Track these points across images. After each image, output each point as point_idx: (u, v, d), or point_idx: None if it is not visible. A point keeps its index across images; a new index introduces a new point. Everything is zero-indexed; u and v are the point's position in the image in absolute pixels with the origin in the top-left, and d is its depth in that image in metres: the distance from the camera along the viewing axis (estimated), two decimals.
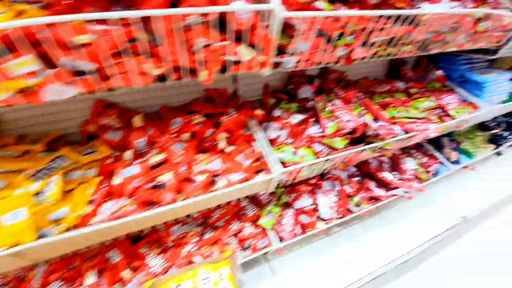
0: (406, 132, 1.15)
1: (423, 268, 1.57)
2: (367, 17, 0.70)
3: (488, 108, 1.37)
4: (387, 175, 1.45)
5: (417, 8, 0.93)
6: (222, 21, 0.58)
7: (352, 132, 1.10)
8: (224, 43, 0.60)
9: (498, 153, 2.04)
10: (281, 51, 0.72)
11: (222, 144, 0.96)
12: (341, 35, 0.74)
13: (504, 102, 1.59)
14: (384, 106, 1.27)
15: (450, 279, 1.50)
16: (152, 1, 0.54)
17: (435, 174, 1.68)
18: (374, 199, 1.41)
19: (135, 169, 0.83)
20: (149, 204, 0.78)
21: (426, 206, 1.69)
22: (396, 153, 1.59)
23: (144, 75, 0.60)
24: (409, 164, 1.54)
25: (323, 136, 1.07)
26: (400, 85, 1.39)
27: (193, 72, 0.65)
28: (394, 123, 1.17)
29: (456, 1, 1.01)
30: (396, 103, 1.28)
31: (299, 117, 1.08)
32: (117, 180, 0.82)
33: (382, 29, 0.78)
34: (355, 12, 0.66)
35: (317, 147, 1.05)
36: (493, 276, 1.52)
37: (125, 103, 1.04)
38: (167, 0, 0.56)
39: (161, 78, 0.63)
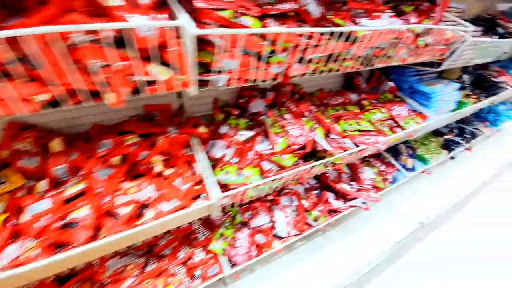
0: (357, 146, 1.14)
1: (387, 275, 1.59)
2: (296, 34, 0.66)
3: (436, 118, 1.41)
4: (345, 187, 1.44)
5: (358, 23, 0.92)
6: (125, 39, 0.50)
7: (303, 147, 1.07)
8: (126, 62, 0.52)
9: (452, 157, 2.15)
10: (208, 69, 0.66)
11: (158, 168, 0.87)
12: (272, 52, 0.69)
13: (453, 110, 1.68)
14: (337, 119, 1.26)
15: (412, 284, 1.52)
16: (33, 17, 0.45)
17: (393, 181, 1.71)
18: (333, 211, 1.39)
19: (46, 203, 0.71)
20: (59, 246, 0.67)
21: (386, 213, 1.71)
22: (355, 162, 1.60)
23: (28, 101, 0.50)
24: (367, 174, 1.56)
25: (272, 153, 1.02)
26: (353, 97, 1.40)
27: (96, 94, 0.56)
28: (345, 137, 1.16)
29: (396, 17, 1.03)
30: (348, 115, 1.27)
31: (247, 134, 1.02)
32: (24, 218, 0.70)
33: (317, 45, 0.75)
34: (277, 29, 0.62)
35: (266, 165, 1.00)
36: (454, 279, 1.57)
37: (48, 124, 0.91)
38: (54, 13, 0.47)
39: (54, 103, 0.54)
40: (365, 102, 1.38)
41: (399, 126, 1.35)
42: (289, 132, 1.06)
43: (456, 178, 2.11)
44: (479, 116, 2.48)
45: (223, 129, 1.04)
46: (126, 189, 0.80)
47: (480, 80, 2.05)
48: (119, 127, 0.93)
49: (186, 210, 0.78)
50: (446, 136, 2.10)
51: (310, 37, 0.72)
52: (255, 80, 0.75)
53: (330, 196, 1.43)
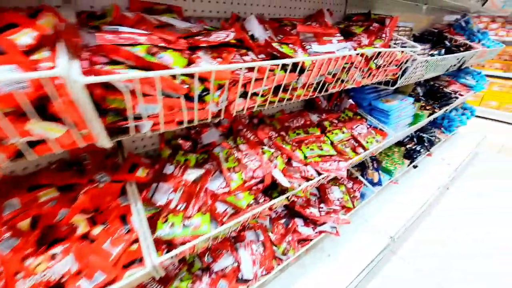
0: (319, 174, 1.07)
1: None
2: (227, 71, 0.57)
3: (395, 134, 1.42)
4: (314, 212, 1.37)
5: (307, 50, 0.87)
6: None
7: (263, 180, 0.97)
8: None
9: (415, 166, 2.22)
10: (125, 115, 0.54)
11: (81, 229, 0.71)
12: (204, 90, 0.59)
13: (410, 124, 1.72)
14: (299, 143, 1.19)
15: None
16: None
17: (361, 197, 1.70)
18: (303, 240, 1.31)
19: None
20: None
21: (359, 229, 1.68)
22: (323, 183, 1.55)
23: None
24: (335, 194, 1.51)
25: (227, 193, 0.90)
26: (314, 118, 1.36)
27: None
28: (307, 164, 1.09)
29: (346, 40, 1.00)
30: (309, 139, 1.21)
31: (196, 173, 0.90)
32: None
33: (259, 79, 0.67)
34: (195, 69, 0.52)
35: (221, 207, 0.88)
36: None
37: None
38: None
39: None
40: (326, 123, 1.34)
41: (361, 145, 1.33)
42: (245, 165, 0.96)
43: (420, 185, 2.18)
44: (434, 123, 2.62)
45: (169, 169, 0.91)
46: (34, 266, 0.62)
47: (432, 91, 2.17)
48: (32, 180, 0.76)
49: (116, 285, 0.63)
50: (407, 146, 2.16)
51: (251, 69, 0.64)
52: (191, 121, 0.64)
53: (299, 223, 1.35)
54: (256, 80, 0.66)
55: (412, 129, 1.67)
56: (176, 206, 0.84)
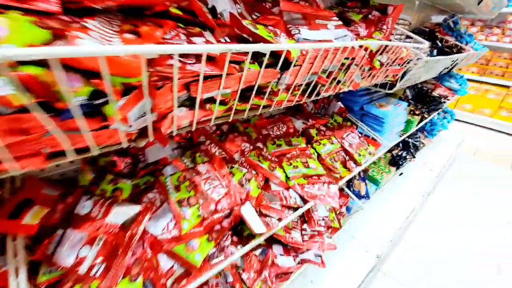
0: (304, 201, 0.83)
1: None
2: (162, 57, 0.28)
3: (388, 145, 1.22)
4: (297, 237, 1.14)
5: (294, 35, 0.60)
6: None
7: (230, 214, 0.70)
8: None
9: (401, 174, 2.09)
10: None
11: None
12: (100, 96, 0.30)
13: (403, 130, 1.55)
14: (280, 158, 0.94)
15: None
16: None
17: (347, 211, 1.51)
18: (283, 274, 1.08)
19: None
20: None
21: (345, 247, 1.50)
22: None
23: None
24: (320, 211, 1.29)
25: (178, 237, 0.62)
26: (299, 124, 1.11)
27: None
28: (289, 188, 0.84)
29: (343, 27, 0.75)
30: (292, 152, 0.96)
31: (127, 212, 0.61)
32: None
33: (215, 76, 0.39)
34: (36, 51, 0.23)
35: (165, 263, 0.60)
36: None
37: None
38: None
39: None
40: (313, 132, 1.10)
41: (352, 159, 1.11)
42: (205, 194, 0.69)
43: (404, 192, 2.06)
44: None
45: (85, 205, 0.60)
46: None
47: (421, 95, 2.03)
48: None
49: None
50: (393, 152, 2.02)
51: (199, 58, 0.36)
52: (83, 151, 0.35)
53: (277, 251, 1.11)
54: (210, 78, 0.38)
55: (403, 137, 1.50)
56: (90, 269, 0.54)
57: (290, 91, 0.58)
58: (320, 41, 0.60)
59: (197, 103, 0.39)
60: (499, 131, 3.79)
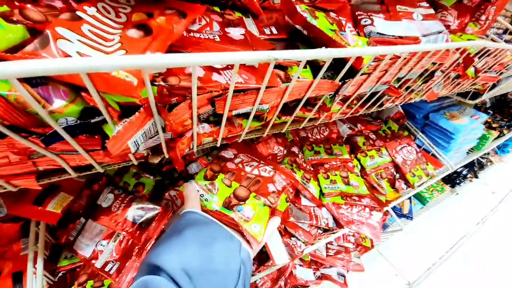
0: (337, 224, 0.71)
1: None
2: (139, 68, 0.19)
3: (453, 167, 1.00)
4: (320, 249, 1.04)
5: (366, 26, 0.45)
6: None
7: None
8: None
9: (457, 193, 1.79)
10: None
11: None
12: (89, 114, 0.22)
13: (474, 148, 1.28)
14: (316, 168, 0.82)
15: None
16: None
17: (384, 227, 1.35)
18: (300, 286, 1.01)
19: None
20: None
21: (375, 265, 1.37)
22: None
23: None
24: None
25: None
26: (344, 128, 0.95)
27: None
28: (322, 205, 0.73)
29: (434, 17, 0.55)
30: (332, 162, 0.83)
31: (146, 211, 0.57)
32: None
33: (242, 90, 0.28)
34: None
35: None
36: None
37: None
38: None
39: None
40: (360, 140, 0.94)
41: (403, 178, 0.93)
42: (253, 177, 0.62)
43: (455, 216, 1.78)
44: None
45: (107, 198, 0.58)
46: None
47: (502, 103, 1.64)
48: None
49: None
50: None
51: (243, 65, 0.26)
52: (84, 169, 0.29)
53: (297, 261, 1.04)
54: (243, 91, 0.28)
55: (471, 157, 1.23)
56: (104, 266, 0.52)
57: (347, 103, 0.45)
58: (401, 38, 0.44)
59: (223, 123, 0.30)
60: None
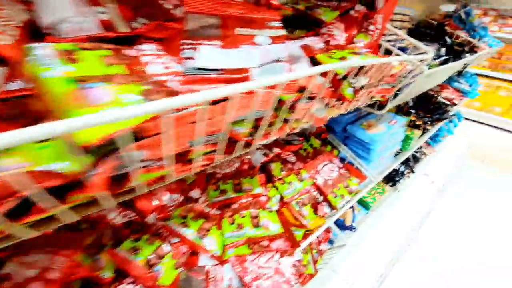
0: (243, 284, 0.59)
1: None
2: None
3: (376, 177, 0.97)
4: None
5: (187, 60, 0.34)
6: None
7: None
8: None
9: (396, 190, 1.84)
10: None
11: None
12: None
13: (401, 149, 1.29)
14: (223, 211, 0.70)
15: None
16: None
17: (329, 242, 1.29)
18: None
19: None
20: None
21: (326, 282, 1.28)
22: None
23: None
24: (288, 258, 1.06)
25: None
26: (257, 156, 0.85)
27: None
28: (223, 261, 0.60)
29: (284, 39, 0.47)
30: (240, 201, 0.71)
31: None
32: None
33: None
34: None
35: None
36: None
37: None
38: None
39: None
40: (276, 166, 0.84)
41: (326, 200, 0.86)
42: None
43: (399, 211, 1.81)
44: None
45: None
46: None
47: (424, 101, 1.74)
48: None
49: None
50: None
51: None
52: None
53: None
54: None
55: (398, 160, 1.24)
56: None
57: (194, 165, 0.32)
58: (232, 71, 0.33)
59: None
60: (511, 131, 3.46)
